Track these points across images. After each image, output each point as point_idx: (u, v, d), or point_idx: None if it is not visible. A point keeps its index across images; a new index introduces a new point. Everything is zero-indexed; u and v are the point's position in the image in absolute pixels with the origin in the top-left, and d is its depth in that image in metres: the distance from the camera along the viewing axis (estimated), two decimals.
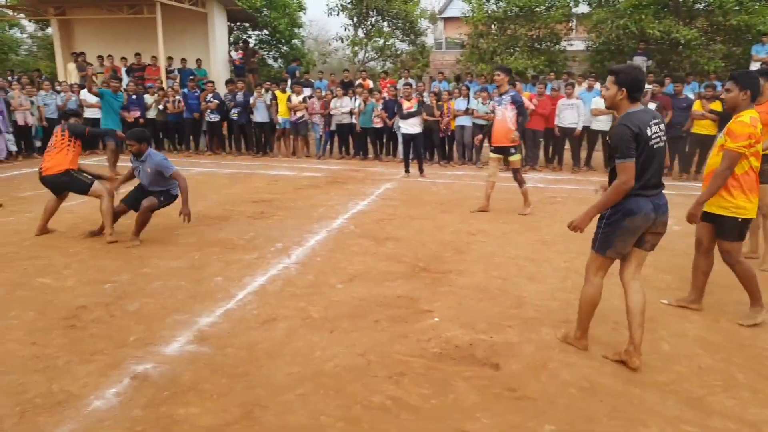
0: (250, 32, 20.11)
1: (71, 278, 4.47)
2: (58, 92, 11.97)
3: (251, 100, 11.73)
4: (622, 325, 3.18)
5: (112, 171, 8.58)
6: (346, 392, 2.85)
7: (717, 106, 8.70)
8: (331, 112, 11.59)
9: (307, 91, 12.36)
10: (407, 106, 9.19)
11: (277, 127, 12.00)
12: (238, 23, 19.18)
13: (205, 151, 12.42)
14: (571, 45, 16.70)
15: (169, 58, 14.84)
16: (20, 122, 10.98)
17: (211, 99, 11.75)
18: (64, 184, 5.59)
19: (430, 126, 10.35)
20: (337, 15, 19.37)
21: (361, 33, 19.65)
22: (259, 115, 11.81)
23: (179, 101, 11.94)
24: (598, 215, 3.07)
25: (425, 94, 10.93)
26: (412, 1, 19.26)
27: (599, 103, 9.52)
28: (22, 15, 18.51)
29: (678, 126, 9.41)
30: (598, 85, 10.59)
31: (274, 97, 11.82)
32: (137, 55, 14.87)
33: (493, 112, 7.11)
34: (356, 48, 19.54)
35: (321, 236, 5.72)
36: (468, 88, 10.99)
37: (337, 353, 3.25)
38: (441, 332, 3.53)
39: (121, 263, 4.83)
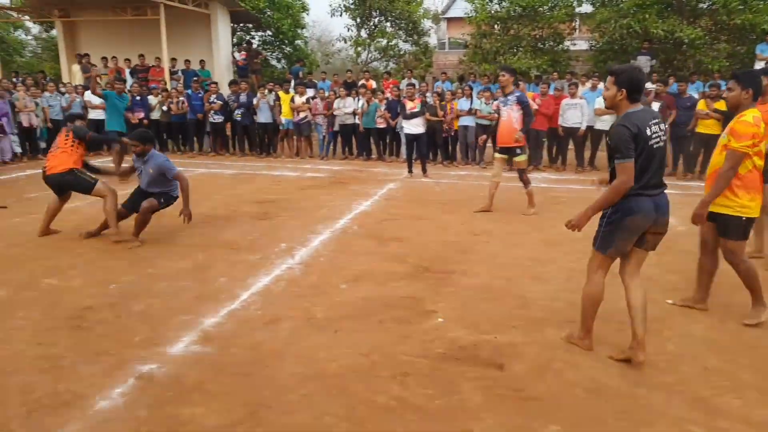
0: (253, 33, 20.15)
1: (77, 279, 4.49)
2: (63, 94, 12.02)
3: (255, 101, 11.75)
4: (627, 325, 3.17)
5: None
6: (350, 392, 2.85)
7: (721, 105, 8.66)
8: (335, 113, 11.60)
9: (310, 92, 12.37)
10: (410, 106, 9.19)
11: (281, 127, 12.02)
12: (241, 24, 19.23)
13: (209, 152, 12.45)
14: (575, 45, 16.67)
15: (173, 60, 14.89)
16: (25, 124, 11.02)
17: (215, 100, 11.78)
18: (67, 184, 5.59)
19: (433, 126, 10.34)
20: (340, 16, 19.39)
21: (364, 33, 19.66)
22: (263, 116, 11.83)
23: (183, 102, 11.97)
24: (599, 214, 3.08)
25: (428, 94, 10.93)
26: (415, 2, 19.25)
27: (602, 103, 9.49)
28: (26, 17, 18.60)
29: (682, 126, 9.38)
30: (601, 85, 10.56)
31: (278, 98, 11.83)
32: (141, 56, 14.92)
33: (496, 112, 7.11)
34: (359, 48, 19.55)
35: (324, 237, 5.73)
36: (471, 88, 10.97)
37: (341, 353, 3.25)
38: (445, 333, 3.53)
39: (126, 264, 4.85)
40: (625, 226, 2.98)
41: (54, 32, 19.46)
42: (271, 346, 3.34)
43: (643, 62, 12.78)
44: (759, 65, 11.32)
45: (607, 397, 2.83)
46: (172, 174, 5.47)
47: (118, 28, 16.29)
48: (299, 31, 20.18)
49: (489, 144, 9.81)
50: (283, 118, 11.81)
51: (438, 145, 11.00)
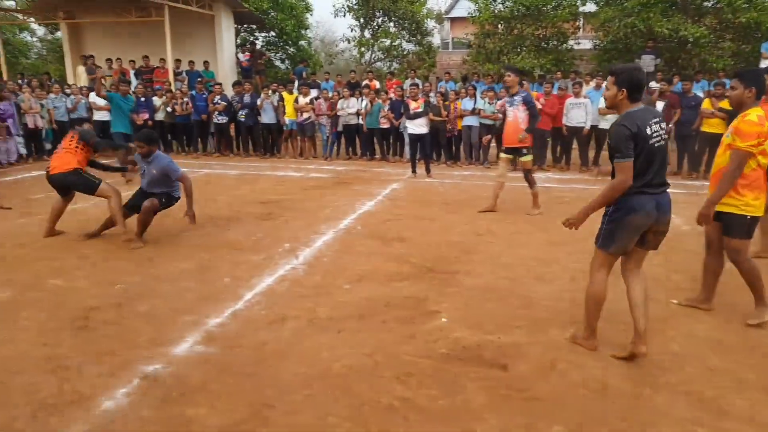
0: (257, 34, 20.19)
1: (82, 279, 4.51)
2: (68, 95, 12.08)
3: (258, 102, 11.78)
4: (632, 326, 3.16)
5: (123, 175, 8.63)
6: (353, 393, 2.85)
7: (726, 104, 8.61)
8: (338, 113, 11.61)
9: (314, 93, 12.39)
10: (414, 106, 9.19)
11: (284, 128, 12.04)
12: (245, 25, 19.27)
13: (213, 153, 12.48)
14: (579, 44, 16.63)
15: (177, 61, 14.94)
16: (30, 125, 11.08)
17: (219, 101, 11.81)
18: (71, 183, 5.60)
19: (437, 126, 10.34)
20: (344, 16, 19.42)
21: (367, 34, 19.67)
22: (267, 117, 11.85)
23: (187, 103, 12.01)
24: (600, 212, 3.09)
25: (432, 94, 10.93)
26: (419, 2, 19.25)
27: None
28: (32, 19, 18.70)
29: (687, 125, 9.34)
30: (605, 84, 10.53)
31: (282, 99, 11.86)
32: (145, 57, 14.98)
33: (500, 111, 7.10)
34: (363, 49, 19.56)
35: (328, 237, 5.73)
36: (475, 88, 10.96)
37: (345, 354, 3.26)
38: (449, 333, 3.52)
39: (131, 265, 4.86)
40: (627, 224, 2.99)
41: (59, 34, 19.56)
42: (275, 347, 3.35)
43: (648, 61, 12.74)
44: (764, 64, 11.27)
45: (612, 397, 2.82)
46: (176, 176, 5.49)
47: (122, 29, 16.37)
48: (303, 31, 20.21)
49: (493, 144, 9.79)
50: (287, 119, 11.83)
51: (441, 145, 10.99)
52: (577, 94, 10.16)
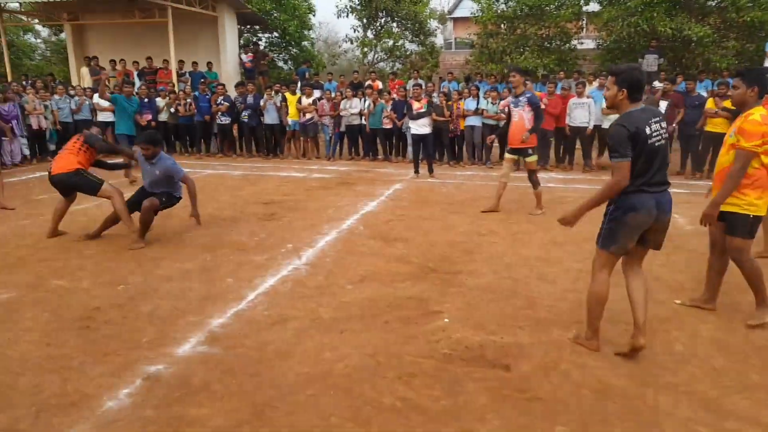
0: (260, 35, 20.24)
1: (85, 280, 4.52)
2: (72, 96, 12.13)
3: (261, 103, 11.79)
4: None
5: (128, 176, 8.67)
6: (355, 393, 2.85)
7: (730, 103, 8.59)
8: (341, 114, 11.62)
9: (317, 93, 12.40)
10: (417, 106, 9.18)
11: (287, 128, 12.06)
12: (248, 26, 19.32)
13: (216, 154, 12.50)
14: (582, 44, 16.62)
15: (181, 62, 14.98)
16: (34, 126, 11.13)
17: (222, 101, 11.83)
18: (73, 184, 5.61)
19: (440, 126, 10.33)
20: (347, 17, 19.43)
21: (370, 34, 19.68)
22: (270, 117, 11.87)
23: (190, 104, 12.04)
24: (596, 212, 3.09)
25: (434, 94, 10.93)
26: (422, 2, 19.26)
27: None
28: (36, 20, 18.79)
29: (691, 124, 9.31)
30: None
31: (284, 99, 11.88)
32: (149, 58, 15.03)
33: (503, 112, 7.09)
34: (366, 49, 19.58)
35: (331, 237, 5.73)
36: (477, 88, 10.96)
37: (347, 354, 3.26)
38: (451, 333, 3.52)
39: (134, 265, 4.88)
40: (627, 223, 3.00)
41: (63, 35, 19.65)
42: (278, 347, 3.35)
43: (651, 61, 12.72)
44: None
45: (614, 397, 2.81)
46: (179, 177, 5.51)
47: (126, 30, 16.42)
48: (306, 32, 20.25)
49: (495, 144, 9.78)
50: (290, 120, 11.84)
51: (444, 145, 10.99)
52: (580, 94, 10.14)
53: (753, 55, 13.32)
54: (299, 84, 13.61)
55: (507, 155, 6.89)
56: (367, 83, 13.57)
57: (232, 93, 12.65)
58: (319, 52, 24.31)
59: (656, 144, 2.94)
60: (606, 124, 9.97)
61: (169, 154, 5.87)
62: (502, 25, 16.14)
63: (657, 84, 10.69)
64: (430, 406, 2.74)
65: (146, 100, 11.77)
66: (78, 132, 6.01)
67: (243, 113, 11.87)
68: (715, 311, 3.82)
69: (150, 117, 11.72)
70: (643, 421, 2.62)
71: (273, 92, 11.87)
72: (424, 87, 10.30)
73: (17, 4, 15.98)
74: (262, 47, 18.48)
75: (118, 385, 2.92)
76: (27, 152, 11.16)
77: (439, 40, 23.54)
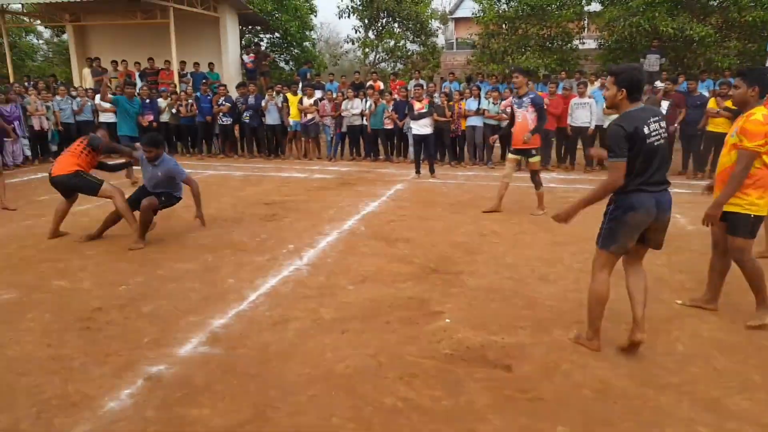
0: (261, 35, 20.26)
1: (87, 280, 4.53)
2: (74, 97, 12.14)
3: (263, 103, 11.80)
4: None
5: (129, 176, 8.68)
6: (357, 393, 2.85)
7: (731, 103, 8.58)
8: (342, 114, 11.62)
9: (318, 94, 12.41)
10: (418, 107, 9.18)
11: (289, 129, 12.06)
12: (249, 27, 19.34)
13: (218, 154, 12.51)
14: (583, 44, 16.60)
15: (182, 62, 15.01)
16: (36, 127, 11.16)
17: (224, 102, 11.84)
18: (74, 186, 5.62)
19: (441, 127, 10.33)
20: (348, 17, 19.43)
21: (371, 35, 19.68)
22: (271, 118, 11.88)
23: (192, 105, 12.05)
24: (597, 212, 3.09)
25: (436, 94, 10.92)
26: (423, 2, 19.25)
27: None
28: (38, 21, 18.83)
29: (692, 124, 9.29)
30: None
31: (286, 100, 11.88)
32: (150, 59, 15.05)
33: (504, 112, 7.08)
34: (367, 50, 19.57)
35: (332, 238, 5.74)
36: (479, 89, 10.96)
37: (348, 354, 3.26)
38: (452, 333, 3.52)
39: (135, 266, 4.88)
40: (627, 222, 3.00)
41: (65, 36, 19.70)
42: (279, 347, 3.35)
43: (653, 60, 12.70)
44: None
45: (615, 398, 2.81)
46: (182, 178, 5.51)
47: (128, 31, 16.44)
48: (307, 33, 20.26)
49: (497, 145, 9.78)
50: (291, 120, 11.85)
51: (446, 145, 10.98)
52: (581, 94, 10.13)
53: (755, 55, 13.30)
54: (300, 84, 13.62)
55: (510, 156, 6.88)
56: (368, 84, 13.57)
57: (234, 94, 12.66)
58: (321, 52, 24.32)
59: (655, 143, 2.94)
60: (607, 125, 9.96)
61: (170, 155, 5.87)
62: (504, 26, 16.13)
63: (659, 84, 10.68)
64: (431, 407, 2.74)
65: (148, 100, 11.78)
66: (80, 133, 6.01)
67: (244, 114, 11.88)
68: (716, 311, 3.81)
69: (152, 118, 11.72)
70: (644, 421, 2.61)
71: (274, 93, 11.88)
72: (425, 87, 10.30)
73: (19, 6, 16.00)
74: (263, 48, 18.50)
75: (119, 385, 2.93)
76: (29, 153, 11.19)
77: (440, 41, 23.55)
